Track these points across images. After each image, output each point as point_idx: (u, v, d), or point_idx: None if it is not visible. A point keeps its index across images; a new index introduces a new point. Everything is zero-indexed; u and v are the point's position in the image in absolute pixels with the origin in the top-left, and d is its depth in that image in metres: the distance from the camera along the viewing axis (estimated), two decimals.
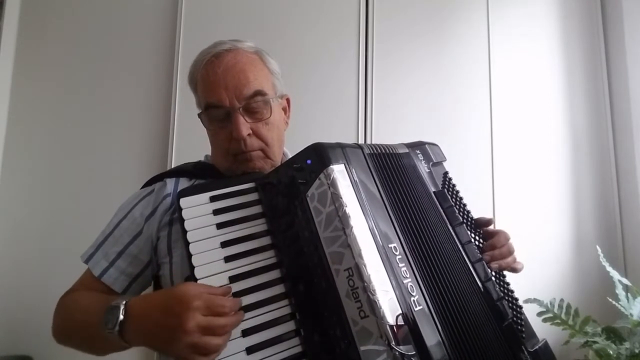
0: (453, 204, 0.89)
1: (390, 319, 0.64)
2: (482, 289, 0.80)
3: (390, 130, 1.91)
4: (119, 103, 1.98)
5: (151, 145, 1.95)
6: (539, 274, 1.82)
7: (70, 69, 2.02)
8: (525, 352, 0.78)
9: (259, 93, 0.92)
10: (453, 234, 0.85)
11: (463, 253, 0.83)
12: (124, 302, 0.72)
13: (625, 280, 1.57)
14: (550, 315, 1.50)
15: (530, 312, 1.46)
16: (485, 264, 0.84)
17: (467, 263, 0.82)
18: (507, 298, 0.82)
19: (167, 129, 1.92)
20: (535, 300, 1.51)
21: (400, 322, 0.65)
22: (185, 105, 1.90)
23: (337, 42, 1.97)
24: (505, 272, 0.89)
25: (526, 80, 2.01)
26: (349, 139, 0.87)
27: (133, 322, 0.70)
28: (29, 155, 1.97)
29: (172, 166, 1.81)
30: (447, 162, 1.00)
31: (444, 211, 0.87)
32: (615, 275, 1.55)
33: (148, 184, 1.01)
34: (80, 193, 1.92)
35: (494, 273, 0.85)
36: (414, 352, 0.64)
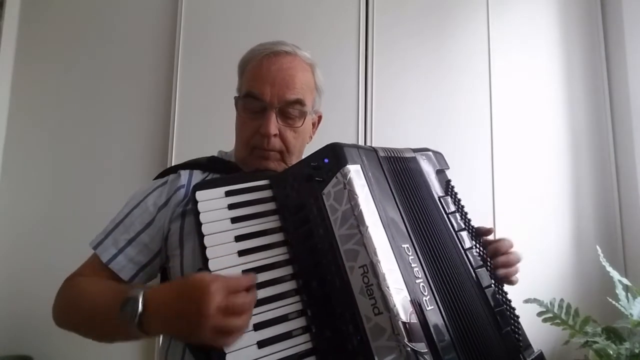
0: (456, 210, 0.91)
1: (404, 317, 0.65)
2: (483, 296, 0.82)
3: (390, 131, 1.92)
4: (119, 103, 1.98)
5: (151, 145, 1.94)
6: (539, 274, 1.83)
7: (70, 69, 2.01)
8: None
9: (299, 102, 0.96)
10: (457, 239, 0.86)
11: (466, 258, 0.84)
12: (141, 294, 0.71)
13: (625, 280, 1.58)
14: (550, 315, 1.51)
15: (530, 312, 1.48)
16: (486, 271, 0.85)
17: (469, 268, 0.83)
18: (505, 306, 0.84)
19: (167, 129, 1.91)
20: (535, 300, 1.52)
21: (414, 319, 0.66)
22: (185, 105, 1.90)
23: (337, 44, 1.97)
24: None
25: (526, 80, 2.02)
26: (349, 140, 0.90)
27: (152, 313, 0.70)
28: (29, 155, 1.96)
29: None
30: (447, 161, 1.01)
31: (447, 216, 0.88)
32: (615, 275, 1.56)
33: (161, 176, 1.01)
34: (80, 193, 1.91)
35: (493, 281, 0.86)
36: (426, 350, 0.65)
